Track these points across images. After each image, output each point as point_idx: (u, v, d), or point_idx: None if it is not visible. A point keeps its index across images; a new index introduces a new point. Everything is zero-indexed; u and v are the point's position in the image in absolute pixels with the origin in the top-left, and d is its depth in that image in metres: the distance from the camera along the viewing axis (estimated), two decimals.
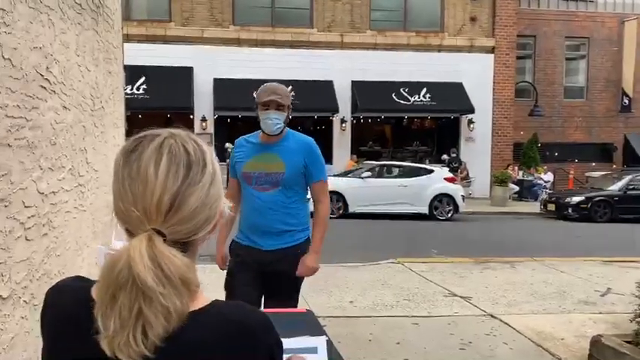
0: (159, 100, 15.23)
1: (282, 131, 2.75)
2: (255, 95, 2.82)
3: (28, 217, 2.08)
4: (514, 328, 4.48)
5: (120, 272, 0.73)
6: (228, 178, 2.93)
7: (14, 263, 1.98)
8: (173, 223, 0.79)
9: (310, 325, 1.51)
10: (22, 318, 2.05)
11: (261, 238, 2.77)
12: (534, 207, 15.71)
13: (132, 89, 15.22)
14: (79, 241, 2.91)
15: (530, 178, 18.33)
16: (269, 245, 2.78)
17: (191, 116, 16.25)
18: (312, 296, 5.36)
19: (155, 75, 15.31)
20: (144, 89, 15.37)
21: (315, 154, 2.82)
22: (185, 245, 0.82)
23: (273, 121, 2.69)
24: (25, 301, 2.07)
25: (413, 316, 4.82)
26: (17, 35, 2.01)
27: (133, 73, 15.20)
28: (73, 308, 0.81)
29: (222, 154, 14.32)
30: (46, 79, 2.34)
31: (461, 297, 5.53)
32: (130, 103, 15.52)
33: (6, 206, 1.85)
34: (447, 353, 3.97)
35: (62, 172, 2.58)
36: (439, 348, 4.06)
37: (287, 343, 1.34)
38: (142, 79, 15.36)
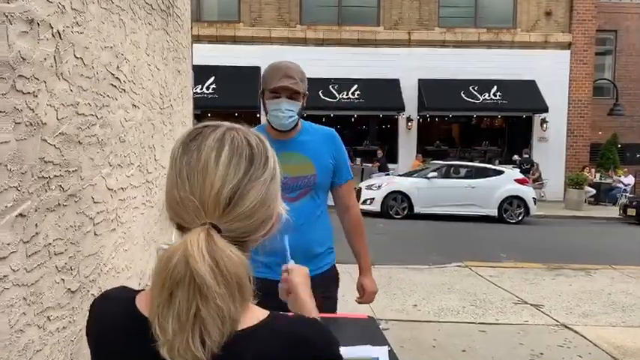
0: (227, 99, 15.59)
1: (296, 124, 2.17)
2: (262, 78, 2.22)
3: (97, 213, 2.12)
4: (590, 341, 4.20)
5: (175, 267, 0.69)
6: None
7: (83, 257, 2.03)
8: (231, 219, 0.74)
9: (372, 333, 1.44)
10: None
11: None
12: (612, 211, 14.81)
13: (202, 89, 15.68)
14: (146, 237, 2.98)
15: (608, 180, 17.31)
16: None
17: (257, 115, 16.51)
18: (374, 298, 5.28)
19: (224, 75, 15.69)
20: (213, 89, 15.79)
21: (342, 147, 2.31)
22: (240, 246, 0.76)
23: (285, 113, 2.08)
24: (92, 294, 2.13)
25: (480, 323, 4.63)
26: (89, 35, 2.06)
27: (202, 73, 15.66)
28: (120, 319, 0.78)
29: None
30: (117, 77, 2.40)
31: (532, 305, 5.26)
32: (199, 102, 15.99)
33: (76, 202, 1.90)
34: None
35: (131, 168, 2.64)
36: (508, 358, 3.87)
37: (347, 351, 1.28)
38: (212, 79, 15.79)
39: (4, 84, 1.44)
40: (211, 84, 15.77)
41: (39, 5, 1.62)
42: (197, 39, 15.97)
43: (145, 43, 2.87)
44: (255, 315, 0.75)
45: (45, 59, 1.67)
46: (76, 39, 1.92)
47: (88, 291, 2.09)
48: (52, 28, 1.72)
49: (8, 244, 1.48)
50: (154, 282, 0.72)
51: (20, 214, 1.54)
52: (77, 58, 1.94)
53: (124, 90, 2.50)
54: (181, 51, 3.83)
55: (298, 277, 1.22)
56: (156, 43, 3.11)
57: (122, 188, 2.50)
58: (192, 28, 4.28)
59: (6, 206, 1.46)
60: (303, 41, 16.27)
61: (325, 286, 2.18)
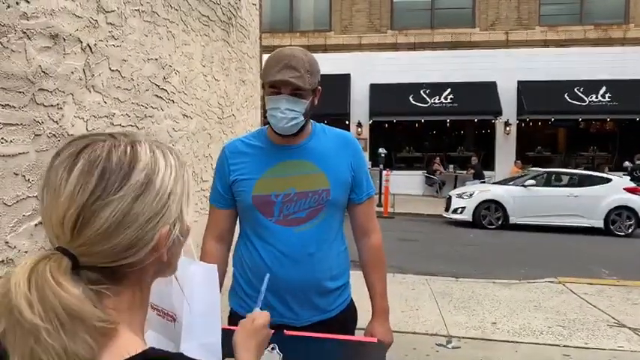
0: (317, 107, 15.68)
1: (303, 127, 1.71)
2: (262, 69, 1.79)
3: None
4: None
5: (1, 303, 0.62)
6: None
7: None
8: (82, 243, 0.65)
9: (371, 358, 1.32)
10: None
11: (293, 306, 1.70)
12: None
13: None
14: (199, 244, 3.03)
15: None
16: (306, 318, 1.71)
17: (347, 122, 16.54)
18: (450, 313, 5.02)
19: None
20: None
21: (362, 155, 1.87)
22: (113, 272, 0.68)
23: (285, 114, 1.63)
24: None
25: (565, 346, 4.22)
26: (128, 48, 2.12)
27: None
28: None
29: (375, 159, 14.34)
30: (163, 88, 2.45)
31: (630, 328, 4.72)
32: None
33: None
34: None
35: None
36: None
37: None
38: None
39: (22, 97, 1.50)
40: None
41: (65, 21, 1.68)
42: None
43: (200, 54, 2.93)
44: (124, 350, 0.65)
45: (72, 73, 1.73)
46: (112, 52, 1.98)
47: None
48: (82, 42, 1.78)
49: (26, 252, 1.54)
50: None
51: (41, 223, 1.60)
52: (113, 70, 2.00)
53: (172, 100, 2.56)
54: (246, 61, 3.89)
55: (240, 333, 1.12)
56: (214, 54, 3.17)
57: None
58: (261, 37, 4.34)
59: (24, 215, 1.52)
60: (394, 46, 16.08)
61: (345, 328, 1.78)
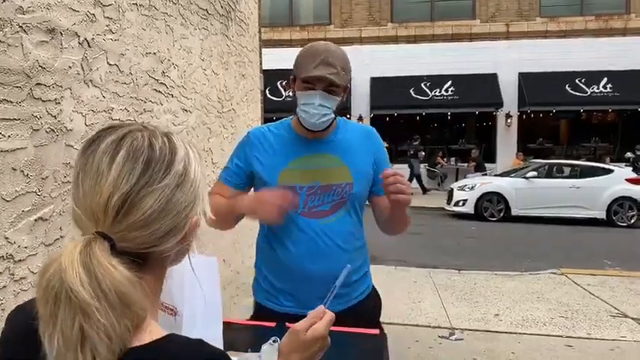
0: None
1: (331, 123, 1.73)
2: (295, 61, 1.76)
3: None
4: None
5: (50, 282, 0.64)
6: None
7: None
8: (123, 229, 0.68)
9: (372, 351, 1.31)
10: None
11: (314, 298, 1.61)
12: None
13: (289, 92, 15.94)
14: (203, 239, 3.03)
15: None
16: (335, 306, 1.76)
17: (347, 116, 16.49)
18: (452, 305, 5.02)
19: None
20: None
21: (384, 149, 1.89)
22: (143, 259, 0.71)
23: (318, 110, 1.64)
24: None
25: (567, 337, 4.22)
26: (126, 42, 2.11)
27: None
28: (25, 327, 0.74)
29: None
30: (162, 83, 2.44)
31: (633, 319, 4.71)
32: (292, 105, 16.26)
33: None
34: None
35: None
36: None
37: None
38: None
39: (19, 92, 1.49)
40: None
41: (62, 15, 1.67)
42: (289, 43, 16.31)
43: (198, 48, 2.92)
44: (149, 335, 0.68)
45: (70, 67, 1.72)
46: (109, 46, 1.97)
47: None
48: (79, 36, 1.77)
49: (26, 247, 1.53)
50: (37, 296, 0.67)
51: (41, 218, 1.59)
52: (111, 65, 1.99)
53: (172, 95, 2.55)
54: (246, 55, 3.87)
55: (289, 342, 1.01)
56: (213, 48, 3.16)
57: None
58: (260, 31, 4.32)
59: (23, 210, 1.52)
60: (394, 39, 16.01)
61: (367, 321, 1.73)
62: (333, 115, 1.69)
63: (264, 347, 1.20)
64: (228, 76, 3.45)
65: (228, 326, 1.49)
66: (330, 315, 1.02)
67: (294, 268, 1.56)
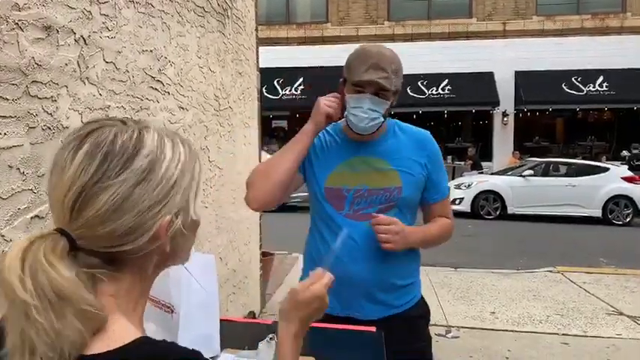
0: (315, 100, 15.68)
1: (380, 126, 1.72)
2: (346, 64, 1.74)
3: None
4: None
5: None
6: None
7: None
8: (80, 225, 0.65)
9: (369, 348, 1.32)
10: None
11: (357, 299, 1.70)
12: None
13: (291, 90, 15.96)
14: (199, 236, 3.03)
15: None
16: (371, 312, 1.70)
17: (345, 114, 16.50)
18: (449, 303, 5.04)
19: (312, 76, 15.83)
20: (302, 90, 16.00)
21: (439, 154, 1.83)
22: (112, 259, 0.68)
23: (367, 114, 1.62)
24: None
25: (563, 335, 4.24)
26: (123, 39, 2.10)
27: (292, 74, 15.96)
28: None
29: None
30: (158, 80, 2.44)
31: (629, 316, 4.74)
32: (290, 103, 16.32)
33: None
34: None
35: None
36: None
37: None
38: (300, 80, 16.00)
39: (15, 89, 1.48)
40: (299, 85, 15.99)
41: (58, 12, 1.67)
42: (286, 41, 16.30)
43: (195, 45, 2.91)
44: (118, 338, 0.64)
45: (66, 64, 1.72)
46: (106, 43, 1.96)
47: None
48: (75, 33, 1.76)
49: None
50: None
51: (37, 216, 1.59)
52: (107, 62, 1.98)
53: (168, 92, 2.54)
54: (243, 52, 3.86)
55: (286, 303, 1.00)
56: (210, 45, 3.15)
57: None
58: (257, 29, 4.31)
59: (19, 208, 1.51)
60: (391, 38, 16.00)
61: (411, 330, 1.74)
62: (382, 119, 1.68)
63: (261, 345, 1.21)
64: (225, 74, 3.44)
65: (225, 324, 1.49)
66: (328, 277, 1.02)
67: (334, 268, 1.50)
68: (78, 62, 1.78)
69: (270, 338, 1.21)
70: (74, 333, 0.61)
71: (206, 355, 1.20)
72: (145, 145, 0.69)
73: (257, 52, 4.33)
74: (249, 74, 4.04)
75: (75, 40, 1.76)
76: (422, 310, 1.83)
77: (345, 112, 1.70)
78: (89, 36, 1.84)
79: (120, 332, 0.65)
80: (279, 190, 1.70)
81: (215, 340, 1.23)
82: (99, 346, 0.63)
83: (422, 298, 1.85)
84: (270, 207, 1.76)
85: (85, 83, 1.82)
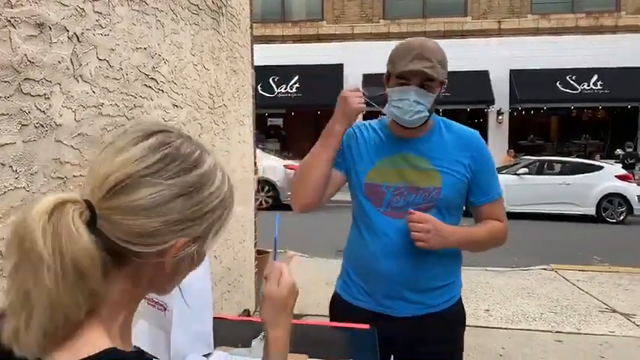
0: (310, 98, 15.72)
1: (426, 121, 1.66)
2: (389, 58, 1.67)
3: None
4: None
5: (16, 228, 0.62)
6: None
7: None
8: (109, 207, 0.65)
9: (364, 345, 1.32)
10: None
11: (390, 296, 1.67)
12: None
13: (286, 88, 15.94)
14: None
15: None
16: (404, 310, 1.67)
17: None
18: None
19: (308, 74, 15.85)
20: (297, 88, 15.99)
21: (487, 155, 1.75)
22: (116, 254, 0.67)
23: (412, 107, 1.58)
24: None
25: (557, 332, 4.26)
26: (116, 37, 2.09)
27: (287, 72, 15.95)
28: None
29: None
30: (152, 78, 2.43)
31: (622, 314, 4.77)
32: (285, 101, 16.31)
33: None
34: None
35: None
36: None
37: None
38: (296, 78, 15.99)
39: (7, 87, 1.48)
40: (295, 83, 15.98)
41: (51, 9, 1.66)
42: (282, 39, 16.28)
43: (189, 43, 2.90)
44: (86, 347, 0.62)
45: (59, 62, 1.71)
46: (99, 41, 1.95)
47: None
48: (68, 31, 1.76)
49: None
50: (4, 244, 0.65)
51: None
52: (101, 60, 1.98)
53: (162, 90, 2.54)
54: (237, 50, 3.85)
55: (268, 309, 0.97)
56: (204, 43, 3.14)
57: None
58: (252, 27, 4.30)
59: (12, 206, 1.51)
60: (386, 36, 16.01)
61: (446, 332, 1.72)
62: (427, 113, 1.62)
63: (254, 342, 1.21)
64: (220, 72, 3.44)
65: (219, 322, 1.49)
66: (281, 264, 1.00)
67: (368, 264, 1.57)
68: (71, 60, 1.77)
69: (264, 336, 1.21)
70: (73, 309, 0.61)
71: (200, 353, 1.21)
72: (203, 165, 0.72)
73: (252, 49, 4.32)
74: (243, 72, 4.03)
75: (68, 38, 1.75)
76: (459, 315, 1.81)
77: (387, 106, 1.65)
78: (82, 33, 1.84)
79: (88, 342, 0.63)
80: (316, 194, 1.69)
81: (209, 338, 1.23)
82: (65, 357, 0.61)
83: (460, 301, 1.81)
84: (312, 209, 1.75)
85: (78, 81, 1.82)
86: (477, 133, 1.76)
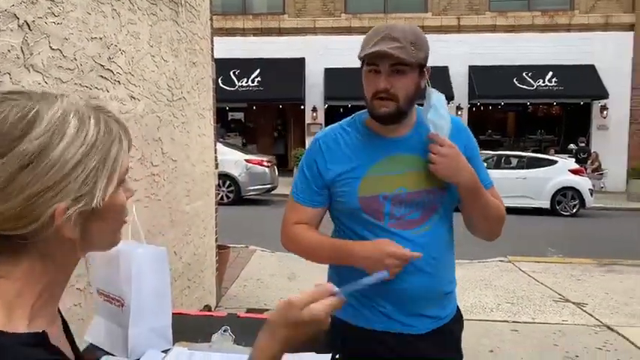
0: (272, 91, 15.64)
1: (406, 114, 1.47)
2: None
3: None
4: (633, 344, 3.88)
5: None
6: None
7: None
8: None
9: (322, 338, 1.32)
10: (75, 305, 2.09)
11: (413, 314, 1.48)
12: None
13: (247, 82, 15.80)
14: (151, 230, 2.96)
15: None
16: (426, 325, 1.50)
17: (302, 107, 16.50)
18: None
19: (269, 67, 15.74)
20: (258, 81, 15.87)
21: (474, 142, 1.62)
22: (8, 244, 0.64)
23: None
24: (78, 288, 2.11)
25: (513, 322, 4.38)
26: (70, 26, 2.02)
27: (248, 65, 15.80)
28: None
29: None
30: (108, 69, 2.36)
31: (574, 303, 4.94)
32: (245, 95, 16.17)
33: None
34: None
35: (130, 161, 2.62)
36: None
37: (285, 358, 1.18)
38: (257, 72, 15.86)
39: None
40: (256, 77, 15.86)
41: None
42: (243, 32, 16.11)
43: (147, 33, 2.83)
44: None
45: (9, 51, 1.64)
46: (52, 30, 1.89)
47: (72, 285, 2.07)
48: (18, 18, 1.69)
49: None
50: None
51: None
52: (53, 49, 1.91)
53: (119, 82, 2.47)
54: (197, 42, 3.79)
55: (275, 314, 0.84)
56: (162, 34, 3.07)
57: None
58: (212, 19, 4.23)
59: None
60: (348, 31, 16.06)
61: (454, 343, 1.59)
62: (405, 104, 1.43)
63: (215, 337, 1.19)
64: (179, 64, 3.37)
65: (179, 317, 1.47)
66: (337, 301, 0.85)
67: (386, 284, 1.32)
68: (22, 48, 1.70)
69: (224, 330, 1.20)
70: None
71: (159, 349, 1.18)
72: (36, 127, 0.63)
73: (212, 41, 4.26)
74: (203, 64, 3.97)
75: (18, 26, 1.68)
76: (461, 321, 1.66)
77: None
78: (34, 21, 1.77)
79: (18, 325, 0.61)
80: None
81: (167, 333, 1.20)
82: None
83: (458, 308, 1.67)
84: None
85: (29, 71, 1.75)
86: (459, 119, 1.62)
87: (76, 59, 2.07)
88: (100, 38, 2.28)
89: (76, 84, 2.07)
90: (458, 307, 1.66)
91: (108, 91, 2.35)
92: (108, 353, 1.15)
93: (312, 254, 1.52)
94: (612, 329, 4.21)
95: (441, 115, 1.42)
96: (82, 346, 1.29)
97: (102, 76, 2.29)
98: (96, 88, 2.24)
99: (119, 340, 1.14)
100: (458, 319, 1.63)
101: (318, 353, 1.18)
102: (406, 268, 1.39)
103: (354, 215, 1.46)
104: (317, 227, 1.55)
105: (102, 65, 2.29)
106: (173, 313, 1.33)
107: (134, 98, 2.66)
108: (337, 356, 1.19)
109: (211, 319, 1.54)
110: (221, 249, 4.69)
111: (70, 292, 2.08)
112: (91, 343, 1.22)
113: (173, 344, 1.20)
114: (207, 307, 4.01)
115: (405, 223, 1.45)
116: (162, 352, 1.16)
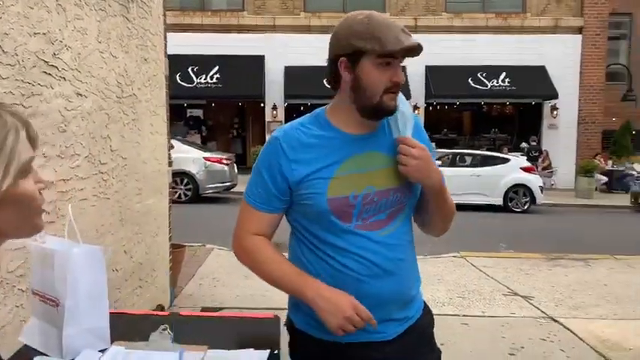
0: (231, 89, 15.52)
1: None
2: (361, 37, 1.34)
3: None
4: (575, 334, 4.06)
5: None
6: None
7: (6, 251, 1.96)
8: None
9: (269, 333, 1.35)
10: (17, 307, 2.05)
11: (382, 320, 1.38)
12: (624, 199, 14.45)
13: (205, 78, 15.63)
14: (99, 229, 2.91)
15: (621, 168, 16.93)
16: (395, 329, 1.44)
17: (262, 104, 16.44)
18: None
19: (228, 64, 15.60)
20: (217, 78, 15.72)
21: (428, 139, 1.54)
22: None
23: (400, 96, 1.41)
24: (20, 289, 2.06)
25: (464, 316, 4.51)
26: (10, 20, 1.97)
27: (207, 62, 15.62)
28: None
29: None
30: (53, 65, 2.31)
31: (522, 296, 5.12)
32: (204, 92, 15.98)
33: None
34: (495, 359, 3.66)
35: (76, 159, 2.57)
36: (486, 352, 3.76)
37: (223, 355, 1.19)
38: (216, 69, 15.70)
39: None
40: (215, 74, 15.70)
41: None
42: (201, 28, 15.91)
43: (95, 29, 2.78)
44: None
45: None
46: None
47: (14, 286, 2.02)
48: None
49: None
50: None
51: None
52: None
53: (64, 78, 2.42)
54: (149, 38, 3.74)
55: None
56: (111, 30, 3.02)
57: (63, 180, 2.43)
58: (165, 14, 4.18)
59: None
60: (307, 29, 16.09)
61: (426, 341, 1.53)
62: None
63: (153, 335, 1.20)
64: (129, 60, 3.32)
65: (120, 317, 1.46)
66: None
67: (350, 290, 1.29)
68: None
69: (163, 329, 1.20)
70: None
71: (95, 348, 1.18)
72: None
73: (165, 38, 4.21)
74: (156, 60, 3.92)
75: None
76: (430, 317, 1.58)
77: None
78: None
79: None
80: None
81: (105, 333, 1.20)
82: None
83: (425, 304, 1.60)
84: None
85: None
86: (418, 117, 1.55)
87: (17, 55, 2.02)
88: (44, 34, 2.23)
89: (17, 80, 2.02)
90: (424, 302, 1.59)
91: (52, 88, 2.30)
92: (42, 354, 1.14)
93: (267, 275, 1.40)
94: (556, 321, 4.39)
95: (403, 113, 1.40)
96: (16, 347, 1.27)
97: (45, 72, 2.24)
98: (39, 84, 2.19)
99: (54, 341, 1.13)
100: (426, 314, 1.56)
101: (256, 349, 1.20)
102: (374, 272, 1.35)
103: (320, 218, 1.36)
104: (272, 236, 1.45)
105: (46, 61, 2.24)
106: (114, 313, 1.33)
107: (81, 95, 2.61)
108: (276, 352, 1.21)
109: (153, 318, 1.54)
110: (175, 248, 4.64)
111: (12, 294, 2.03)
112: (25, 344, 1.20)
113: (111, 344, 1.19)
114: (160, 307, 3.97)
115: (370, 224, 1.38)
116: (100, 351, 1.16)
